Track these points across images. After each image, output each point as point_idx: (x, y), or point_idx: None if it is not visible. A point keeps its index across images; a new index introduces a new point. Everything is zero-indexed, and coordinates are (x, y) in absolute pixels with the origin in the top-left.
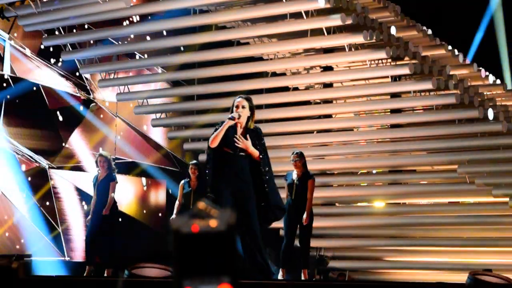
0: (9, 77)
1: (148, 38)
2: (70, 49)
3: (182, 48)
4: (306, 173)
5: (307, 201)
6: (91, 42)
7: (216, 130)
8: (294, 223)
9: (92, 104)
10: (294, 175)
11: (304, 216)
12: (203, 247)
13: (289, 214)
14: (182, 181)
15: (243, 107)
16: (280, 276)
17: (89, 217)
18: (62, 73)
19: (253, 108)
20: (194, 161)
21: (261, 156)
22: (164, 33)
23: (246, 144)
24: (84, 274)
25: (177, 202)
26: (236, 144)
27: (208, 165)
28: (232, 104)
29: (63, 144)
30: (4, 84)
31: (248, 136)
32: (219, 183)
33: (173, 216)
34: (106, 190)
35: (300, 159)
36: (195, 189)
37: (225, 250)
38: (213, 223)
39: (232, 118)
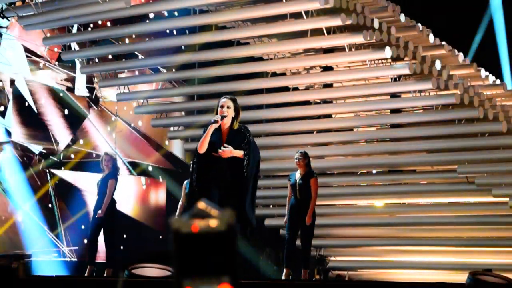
0: (15, 77)
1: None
2: (76, 48)
3: (182, 48)
4: (309, 172)
5: (311, 200)
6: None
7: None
8: (296, 222)
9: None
10: (297, 175)
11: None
12: (203, 247)
13: (291, 214)
14: (185, 182)
15: (228, 107)
16: (283, 276)
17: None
18: (65, 72)
19: (238, 109)
20: None
21: (245, 158)
22: (174, 32)
23: (231, 150)
24: (86, 274)
25: (180, 203)
26: (222, 157)
27: (192, 169)
28: (217, 104)
29: (64, 144)
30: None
31: (230, 139)
32: (208, 185)
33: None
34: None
35: (304, 158)
36: None
37: (225, 250)
38: (213, 223)
39: (215, 122)
